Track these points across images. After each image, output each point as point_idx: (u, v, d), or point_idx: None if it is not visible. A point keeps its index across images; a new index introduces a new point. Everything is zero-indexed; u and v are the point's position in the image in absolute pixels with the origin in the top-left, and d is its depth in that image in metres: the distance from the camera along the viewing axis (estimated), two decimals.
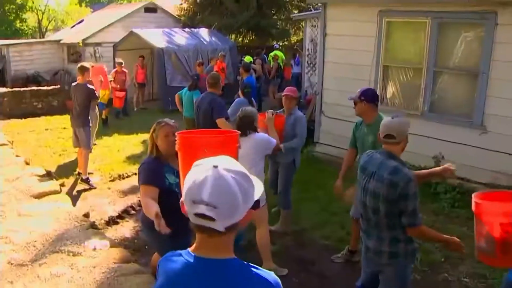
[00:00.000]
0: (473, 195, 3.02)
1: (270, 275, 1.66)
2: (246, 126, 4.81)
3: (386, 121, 3.42)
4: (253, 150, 4.79)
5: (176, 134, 3.40)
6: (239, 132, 4.49)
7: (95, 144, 9.82)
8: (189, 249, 1.67)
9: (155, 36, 15.90)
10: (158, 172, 3.74)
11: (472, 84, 7.16)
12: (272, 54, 16.98)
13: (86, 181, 7.66)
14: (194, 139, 3.41)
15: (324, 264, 5.38)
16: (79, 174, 7.89)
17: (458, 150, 7.21)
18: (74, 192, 7.51)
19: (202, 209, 1.51)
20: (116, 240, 5.77)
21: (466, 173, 7.10)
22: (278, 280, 1.67)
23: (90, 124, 7.95)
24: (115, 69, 13.40)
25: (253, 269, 1.64)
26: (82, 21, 25.24)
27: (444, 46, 7.39)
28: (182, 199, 1.60)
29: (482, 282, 4.92)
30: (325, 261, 5.45)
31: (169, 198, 3.51)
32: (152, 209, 3.19)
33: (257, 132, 4.94)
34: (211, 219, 1.52)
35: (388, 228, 3.31)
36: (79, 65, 7.95)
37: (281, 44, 23.71)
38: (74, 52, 21.16)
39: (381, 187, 3.23)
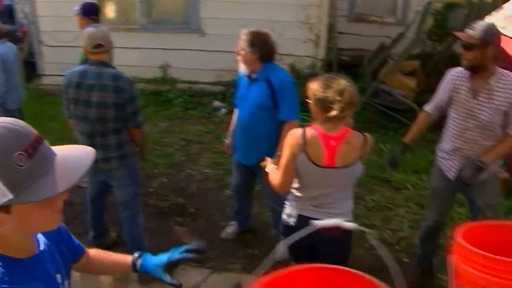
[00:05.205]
0: None
1: None
2: None
3: (91, 32, 3.38)
4: None
5: None
6: None
7: None
8: None
9: None
10: None
11: None
12: None
13: None
14: None
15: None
16: None
17: (182, 56, 7.47)
18: None
19: None
20: None
21: (193, 76, 7.48)
22: None
23: None
24: None
25: None
26: None
27: None
28: None
29: (220, 169, 5.37)
30: None
31: None
32: None
33: None
34: None
35: (115, 133, 3.41)
36: None
37: None
38: None
39: (107, 95, 3.27)
